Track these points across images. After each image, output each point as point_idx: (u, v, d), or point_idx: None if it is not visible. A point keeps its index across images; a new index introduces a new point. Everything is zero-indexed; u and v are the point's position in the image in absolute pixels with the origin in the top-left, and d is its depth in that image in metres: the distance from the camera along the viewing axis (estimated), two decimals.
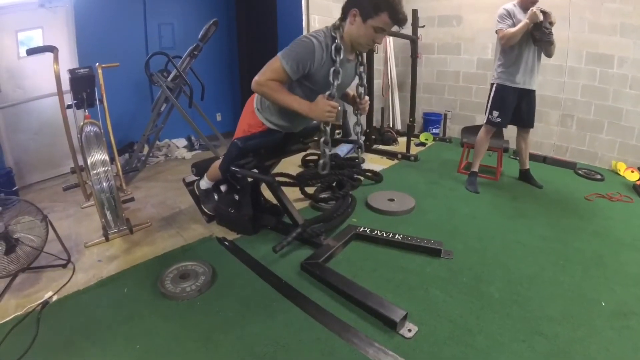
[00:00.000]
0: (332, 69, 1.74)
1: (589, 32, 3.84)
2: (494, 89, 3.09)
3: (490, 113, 3.10)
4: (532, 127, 3.20)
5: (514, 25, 2.84)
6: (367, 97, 2.01)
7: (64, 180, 3.37)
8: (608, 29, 3.70)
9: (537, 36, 2.82)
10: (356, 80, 1.99)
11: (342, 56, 1.74)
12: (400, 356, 1.39)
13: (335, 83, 1.75)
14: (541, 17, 2.73)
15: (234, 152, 1.84)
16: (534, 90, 3.07)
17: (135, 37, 4.14)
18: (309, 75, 1.76)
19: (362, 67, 1.94)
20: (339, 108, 1.78)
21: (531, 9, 2.75)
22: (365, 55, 2.03)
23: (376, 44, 1.79)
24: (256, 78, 1.74)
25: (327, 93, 1.74)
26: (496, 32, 2.94)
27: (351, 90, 2.07)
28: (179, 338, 1.49)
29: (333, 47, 1.72)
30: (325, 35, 1.74)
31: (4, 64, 3.07)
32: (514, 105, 3.06)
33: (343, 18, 1.76)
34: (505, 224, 2.55)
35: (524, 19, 2.77)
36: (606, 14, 3.69)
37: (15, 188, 2.96)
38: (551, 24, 2.80)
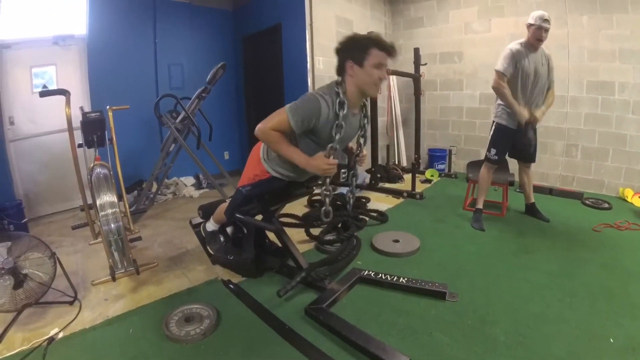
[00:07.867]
0: (335, 123, 1.79)
1: (588, 60, 3.90)
2: (494, 126, 3.10)
3: (489, 150, 3.13)
4: (534, 161, 3.18)
5: (515, 70, 2.79)
6: (365, 151, 2.09)
7: (73, 214, 3.44)
8: (607, 55, 3.76)
9: (517, 144, 3.01)
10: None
11: (345, 111, 1.80)
12: None
13: (337, 137, 1.80)
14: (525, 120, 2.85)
15: (238, 199, 1.90)
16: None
17: (146, 76, 4.31)
18: (313, 131, 1.82)
19: (365, 119, 2.01)
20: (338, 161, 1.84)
21: (523, 114, 2.83)
22: (369, 107, 2.10)
23: (382, 81, 1.83)
24: (260, 125, 1.79)
25: (329, 146, 1.80)
26: (495, 70, 2.84)
27: (353, 143, 2.13)
28: None
29: (337, 102, 1.78)
30: (330, 91, 1.81)
31: (18, 98, 3.19)
32: (513, 140, 3.05)
33: (341, 74, 1.84)
34: (511, 260, 2.53)
35: (531, 64, 2.78)
36: (604, 41, 3.75)
37: (24, 220, 3.00)
38: (534, 130, 2.99)
